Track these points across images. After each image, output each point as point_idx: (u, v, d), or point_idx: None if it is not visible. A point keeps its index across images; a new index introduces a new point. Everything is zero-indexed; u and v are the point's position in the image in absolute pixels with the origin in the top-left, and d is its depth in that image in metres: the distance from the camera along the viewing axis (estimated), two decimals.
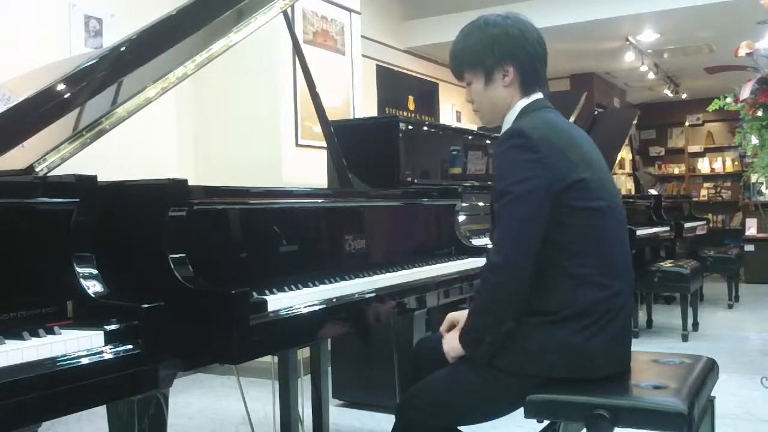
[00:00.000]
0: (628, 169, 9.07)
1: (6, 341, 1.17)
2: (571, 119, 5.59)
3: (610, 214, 1.81)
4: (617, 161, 7.23)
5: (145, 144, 3.80)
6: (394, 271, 2.15)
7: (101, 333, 1.27)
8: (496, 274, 1.75)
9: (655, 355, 2.06)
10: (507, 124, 1.91)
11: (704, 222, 7.48)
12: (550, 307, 1.77)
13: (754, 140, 4.24)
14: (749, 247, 8.10)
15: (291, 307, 1.64)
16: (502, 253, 1.74)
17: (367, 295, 1.90)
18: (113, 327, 1.29)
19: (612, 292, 1.77)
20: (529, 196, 1.72)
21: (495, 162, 1.84)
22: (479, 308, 1.81)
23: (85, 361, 1.22)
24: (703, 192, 11.37)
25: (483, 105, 1.95)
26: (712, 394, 1.91)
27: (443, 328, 2.01)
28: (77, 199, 1.38)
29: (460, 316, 1.94)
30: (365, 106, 5.12)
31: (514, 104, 1.90)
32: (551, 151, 1.75)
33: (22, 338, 1.20)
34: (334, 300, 1.79)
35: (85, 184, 1.40)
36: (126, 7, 3.79)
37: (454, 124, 7.52)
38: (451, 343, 1.89)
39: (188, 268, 1.46)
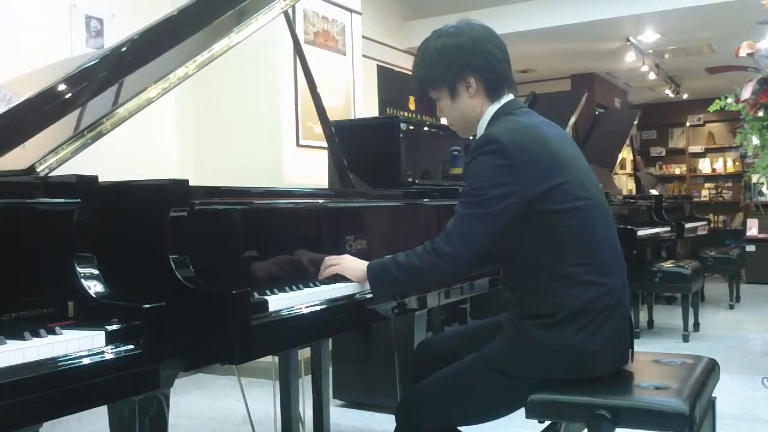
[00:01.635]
0: (629, 169, 9.09)
1: (7, 341, 1.17)
2: (572, 120, 5.58)
3: (593, 211, 1.81)
4: (618, 161, 7.23)
5: (146, 144, 3.80)
6: None
7: (102, 333, 1.27)
8: (441, 258, 1.76)
9: (656, 356, 2.06)
10: (480, 131, 1.90)
11: (705, 222, 7.48)
12: (546, 310, 1.77)
13: (755, 141, 4.23)
14: (750, 248, 8.10)
15: (292, 307, 1.64)
16: (452, 243, 1.76)
17: (368, 296, 1.89)
18: (114, 327, 1.29)
19: (605, 290, 1.77)
20: (495, 200, 1.73)
21: (467, 168, 1.83)
22: (411, 269, 1.80)
23: (86, 361, 1.22)
24: (704, 192, 11.37)
25: (455, 119, 1.96)
26: (713, 395, 1.91)
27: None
28: (78, 200, 1.38)
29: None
30: (366, 106, 5.12)
31: (485, 111, 1.90)
32: (523, 157, 1.74)
33: (23, 338, 1.20)
34: (335, 300, 1.79)
35: (86, 184, 1.40)
36: (127, 7, 3.80)
37: None
38: (350, 262, 1.88)
39: (189, 268, 1.46)
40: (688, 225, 6.58)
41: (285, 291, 1.71)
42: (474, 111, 1.90)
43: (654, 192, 7.56)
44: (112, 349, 1.27)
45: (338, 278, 1.92)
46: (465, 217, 1.77)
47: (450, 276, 1.97)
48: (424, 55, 1.93)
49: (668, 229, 6.11)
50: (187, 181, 1.53)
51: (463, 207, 1.78)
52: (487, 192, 1.74)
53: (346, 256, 1.92)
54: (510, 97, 1.91)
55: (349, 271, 1.87)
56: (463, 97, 1.89)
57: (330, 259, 1.91)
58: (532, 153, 1.76)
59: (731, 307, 6.56)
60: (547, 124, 1.91)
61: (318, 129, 3.04)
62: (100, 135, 1.59)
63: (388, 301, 1.95)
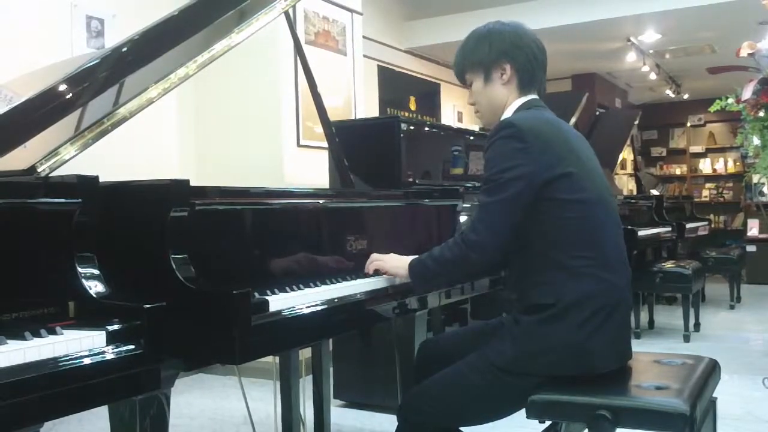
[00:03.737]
0: (629, 169, 9.07)
1: (8, 341, 1.18)
2: (573, 120, 5.58)
3: (598, 206, 1.84)
4: (619, 162, 7.22)
5: (146, 144, 3.80)
6: None
7: (103, 333, 1.27)
8: (470, 248, 1.81)
9: (656, 356, 2.06)
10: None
11: (706, 222, 7.48)
12: (547, 300, 1.78)
13: (756, 141, 4.23)
14: (751, 248, 8.10)
15: (293, 307, 1.64)
16: (478, 232, 1.81)
17: (369, 296, 1.89)
18: (115, 327, 1.29)
19: (607, 285, 1.78)
20: (511, 183, 1.77)
21: (485, 155, 1.89)
22: (444, 262, 1.87)
23: (87, 361, 1.22)
24: (705, 192, 11.37)
25: (482, 104, 2.00)
26: (713, 395, 1.91)
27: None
28: (79, 200, 1.39)
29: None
30: (366, 106, 5.12)
31: (511, 103, 1.95)
32: (538, 142, 1.79)
33: (24, 338, 1.20)
34: (336, 300, 1.79)
35: (87, 184, 1.40)
36: (128, 7, 3.80)
37: (456, 124, 7.52)
38: (394, 261, 1.99)
39: (190, 268, 1.46)
40: (688, 225, 6.58)
41: (286, 291, 1.71)
42: (502, 99, 1.96)
43: (655, 192, 7.56)
44: (112, 349, 1.27)
45: (339, 278, 1.92)
46: (487, 205, 1.81)
47: (479, 266, 1.98)
48: (469, 40, 2.01)
49: (669, 229, 6.11)
50: (187, 181, 1.53)
51: (485, 195, 1.83)
52: (504, 175, 1.78)
53: (392, 256, 2.02)
54: (535, 96, 1.96)
55: (394, 270, 1.98)
56: (495, 83, 1.96)
57: (376, 258, 2.01)
58: (546, 138, 1.81)
59: (732, 307, 6.56)
60: (564, 122, 1.98)
61: (318, 129, 3.04)
62: (101, 135, 1.59)
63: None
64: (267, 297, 1.60)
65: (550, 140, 1.81)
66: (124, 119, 1.64)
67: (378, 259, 2.01)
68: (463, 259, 1.83)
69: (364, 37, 4.99)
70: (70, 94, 1.65)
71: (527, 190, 1.77)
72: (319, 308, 1.71)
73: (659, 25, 7.07)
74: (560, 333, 1.75)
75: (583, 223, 1.80)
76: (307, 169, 4.20)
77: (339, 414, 3.40)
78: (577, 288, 1.76)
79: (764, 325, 5.79)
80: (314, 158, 4.21)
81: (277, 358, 2.52)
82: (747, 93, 4.00)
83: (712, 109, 4.35)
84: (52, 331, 1.25)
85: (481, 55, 1.96)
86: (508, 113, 1.93)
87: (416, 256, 1.95)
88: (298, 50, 2.59)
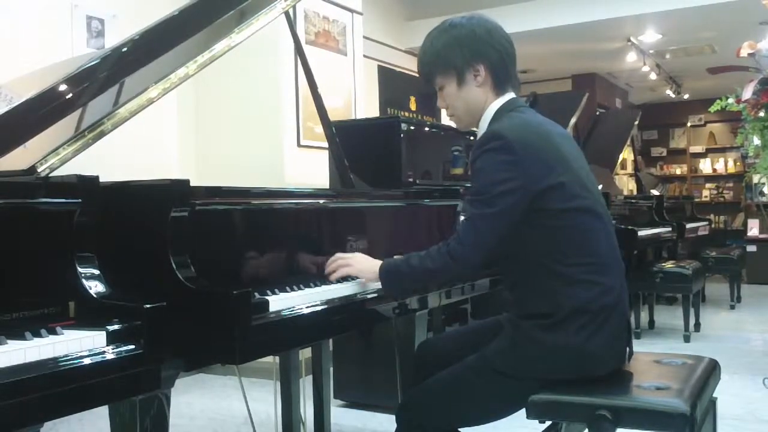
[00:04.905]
0: (629, 169, 9.09)
1: (8, 341, 1.17)
2: (573, 120, 5.58)
3: (592, 211, 1.81)
4: (619, 162, 7.23)
5: (146, 144, 3.79)
6: None
7: (103, 333, 1.27)
8: (454, 260, 1.78)
9: (657, 356, 2.06)
10: (483, 124, 1.90)
11: (706, 223, 7.48)
12: (545, 310, 1.77)
13: (756, 141, 4.23)
14: (751, 248, 8.11)
15: (293, 307, 1.64)
16: (464, 245, 1.77)
17: (369, 296, 1.89)
18: (115, 327, 1.29)
19: (603, 289, 1.77)
20: (500, 197, 1.73)
21: (473, 166, 1.83)
22: (425, 271, 1.82)
23: (87, 361, 1.22)
24: (705, 193, 11.38)
25: (458, 108, 1.94)
26: (714, 395, 1.91)
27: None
28: (79, 200, 1.38)
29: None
30: (367, 106, 5.12)
31: (489, 105, 1.89)
32: (528, 153, 1.75)
33: (24, 338, 1.20)
34: (336, 300, 1.79)
35: (87, 184, 1.40)
36: (128, 7, 3.79)
37: None
38: (362, 263, 1.89)
39: (190, 268, 1.47)
40: (689, 225, 6.58)
41: (286, 291, 1.71)
42: (479, 101, 1.90)
43: (655, 192, 7.56)
44: (113, 349, 1.27)
45: (343, 278, 1.92)
46: (474, 219, 1.77)
47: (461, 276, 2.02)
48: (435, 40, 1.93)
49: (669, 229, 6.11)
50: (188, 181, 1.53)
51: (473, 207, 1.78)
52: (493, 189, 1.74)
53: (358, 255, 1.94)
54: (512, 95, 1.91)
55: (361, 273, 1.89)
56: (470, 86, 1.89)
57: (341, 258, 1.91)
58: (536, 149, 1.76)
59: (732, 307, 6.56)
60: (550, 122, 1.92)
61: (319, 129, 3.04)
62: (101, 135, 1.59)
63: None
64: (267, 297, 1.60)
65: (540, 149, 1.77)
66: (124, 119, 1.64)
67: (344, 264, 1.90)
68: (445, 270, 1.81)
69: (364, 37, 4.99)
70: (70, 94, 1.66)
71: (518, 204, 1.74)
72: (319, 308, 1.71)
73: (659, 25, 7.07)
74: (559, 338, 1.74)
75: (577, 231, 1.78)
76: (308, 169, 4.20)
77: (339, 414, 3.40)
78: (574, 295, 1.75)
79: (764, 325, 5.79)
80: (314, 158, 4.21)
81: (277, 358, 2.52)
82: (747, 93, 4.00)
83: (713, 109, 4.35)
84: (53, 331, 1.25)
85: (452, 58, 1.87)
86: (487, 116, 1.89)
87: (388, 260, 1.89)
88: (299, 50, 2.59)
